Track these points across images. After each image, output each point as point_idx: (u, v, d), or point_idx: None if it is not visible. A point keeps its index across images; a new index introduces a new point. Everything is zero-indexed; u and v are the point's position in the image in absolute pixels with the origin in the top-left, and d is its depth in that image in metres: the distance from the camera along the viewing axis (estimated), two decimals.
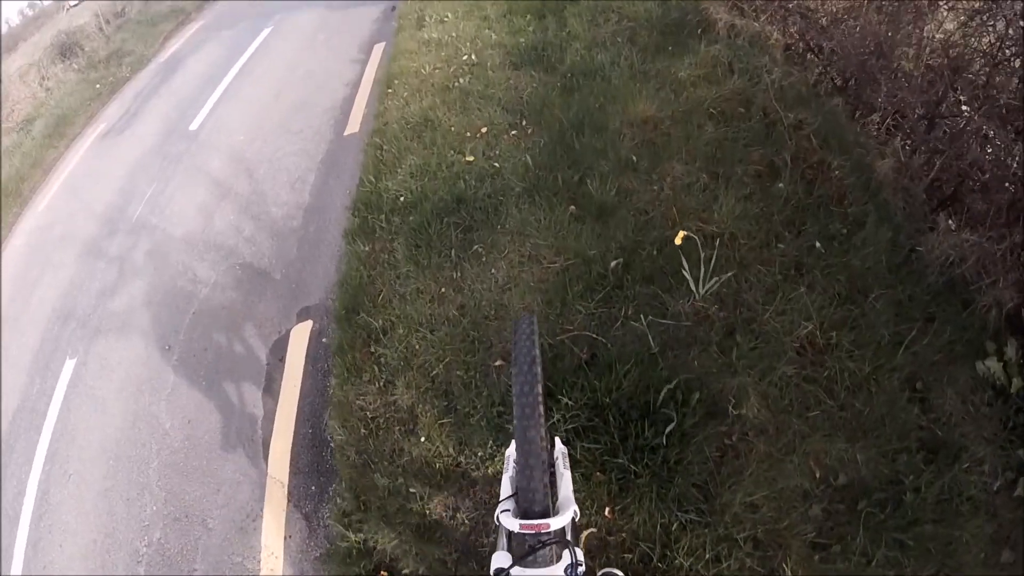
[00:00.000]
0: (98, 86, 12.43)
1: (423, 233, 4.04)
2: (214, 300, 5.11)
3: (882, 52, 3.75)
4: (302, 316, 4.65)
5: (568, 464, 1.87)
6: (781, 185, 3.59)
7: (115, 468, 4.07)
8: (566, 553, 1.44)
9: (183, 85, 10.20)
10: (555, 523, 1.47)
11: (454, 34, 6.56)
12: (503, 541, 1.66)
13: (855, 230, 3.39)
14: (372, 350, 3.76)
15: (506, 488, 1.76)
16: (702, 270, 3.12)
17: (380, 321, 3.85)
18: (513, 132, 4.69)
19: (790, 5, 4.66)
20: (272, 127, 7.27)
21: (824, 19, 4.38)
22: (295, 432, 3.75)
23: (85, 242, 6.72)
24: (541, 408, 1.56)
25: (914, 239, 3.31)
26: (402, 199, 4.52)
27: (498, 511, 1.56)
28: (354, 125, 6.52)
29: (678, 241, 2.98)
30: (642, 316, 3.17)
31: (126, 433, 4.28)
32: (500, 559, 1.47)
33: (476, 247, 3.89)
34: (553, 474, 1.81)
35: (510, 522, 1.50)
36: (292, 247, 5.36)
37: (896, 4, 3.76)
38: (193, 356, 4.68)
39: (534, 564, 1.47)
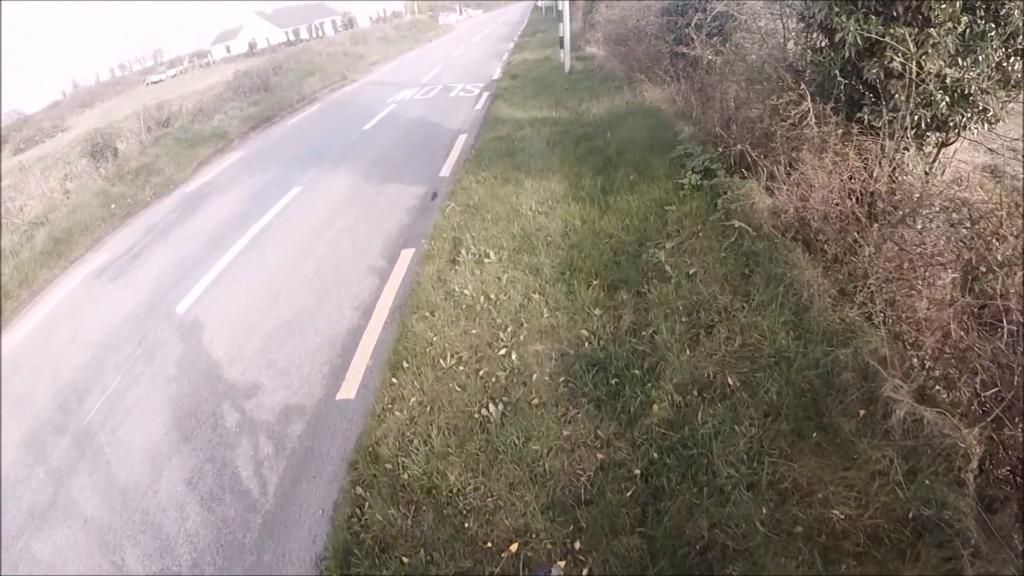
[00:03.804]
0: (113, 206, 11.70)
1: None
2: None
3: None
4: None
5: None
6: None
7: None
8: None
9: (193, 236, 9.17)
10: None
11: (493, 296, 5.09)
12: None
13: None
14: None
15: None
16: None
17: None
18: (560, 564, 2.95)
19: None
20: (257, 350, 5.80)
21: None
22: None
23: (35, 421, 5.57)
24: None
25: None
26: None
27: None
28: (350, 387, 4.94)
29: None
30: None
31: None
32: None
33: None
34: None
35: None
36: None
37: None
38: None
39: None
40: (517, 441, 3.54)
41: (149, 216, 11.06)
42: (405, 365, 4.52)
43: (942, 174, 4.95)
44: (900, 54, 4.21)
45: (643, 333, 4.23)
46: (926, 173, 4.82)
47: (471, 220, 6.63)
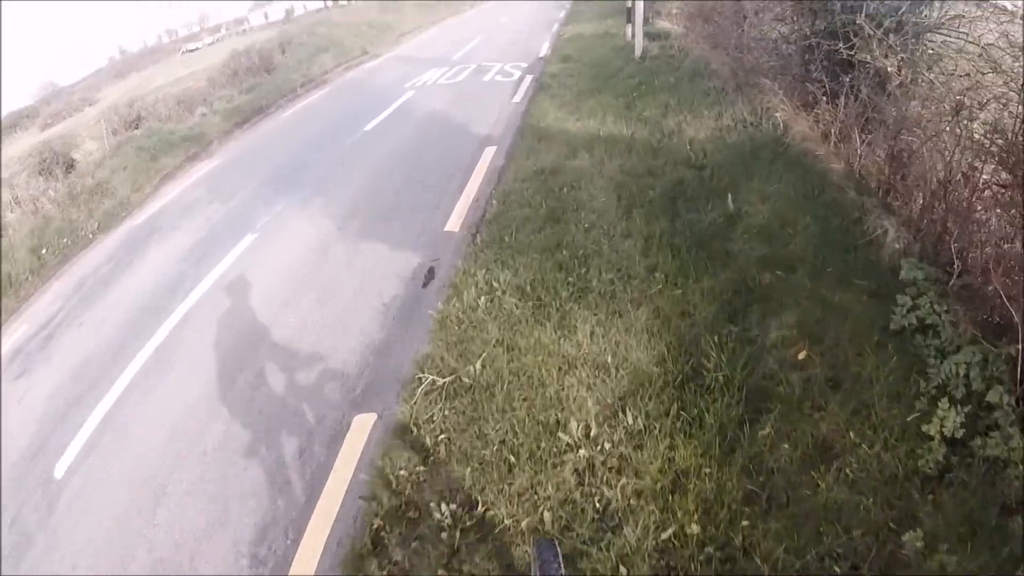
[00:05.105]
0: (45, 252, 9.13)
1: None
2: None
3: None
4: None
5: None
6: None
7: None
8: None
9: (107, 318, 6.55)
10: None
11: None
12: None
13: None
14: None
15: None
16: None
17: None
18: None
19: None
20: None
21: None
22: None
23: None
24: None
25: None
26: None
27: None
28: None
29: None
30: None
31: None
32: None
33: None
34: None
35: None
36: None
37: None
38: None
39: None
40: None
41: (84, 264, 8.61)
42: None
43: None
44: None
45: None
46: None
47: (461, 434, 3.40)
